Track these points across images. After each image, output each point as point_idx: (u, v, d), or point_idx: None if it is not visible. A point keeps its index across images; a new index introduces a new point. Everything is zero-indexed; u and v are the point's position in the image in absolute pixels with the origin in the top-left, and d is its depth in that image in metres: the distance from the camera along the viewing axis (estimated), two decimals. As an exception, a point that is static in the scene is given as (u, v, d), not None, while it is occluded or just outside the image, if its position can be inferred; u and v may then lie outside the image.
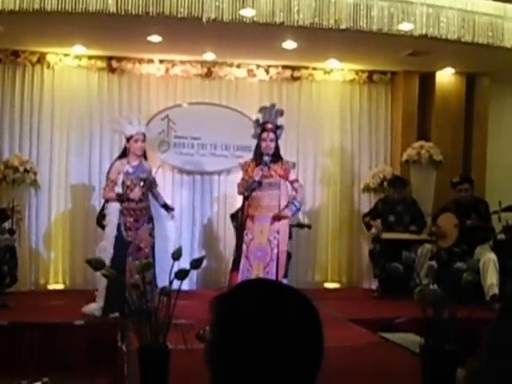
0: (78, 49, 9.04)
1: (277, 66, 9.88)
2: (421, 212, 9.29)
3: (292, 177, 7.47)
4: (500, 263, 8.31)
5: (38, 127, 9.35)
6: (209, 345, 1.61)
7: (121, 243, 7.28)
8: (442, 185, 9.54)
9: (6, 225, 8.14)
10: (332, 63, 9.73)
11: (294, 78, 10.02)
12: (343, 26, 7.02)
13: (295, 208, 7.43)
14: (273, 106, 7.54)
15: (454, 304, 4.57)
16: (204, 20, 6.78)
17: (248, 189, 7.13)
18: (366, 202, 10.03)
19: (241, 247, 7.23)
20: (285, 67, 9.90)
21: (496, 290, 8.15)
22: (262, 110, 7.52)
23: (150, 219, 7.50)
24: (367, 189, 10.03)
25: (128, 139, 7.47)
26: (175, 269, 4.63)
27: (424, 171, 9.73)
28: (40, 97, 9.37)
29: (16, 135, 9.29)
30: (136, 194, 7.35)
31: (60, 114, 9.42)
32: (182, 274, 4.57)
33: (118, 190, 7.37)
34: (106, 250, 7.29)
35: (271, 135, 7.31)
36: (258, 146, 7.45)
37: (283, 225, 7.35)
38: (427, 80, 10.07)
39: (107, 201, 7.57)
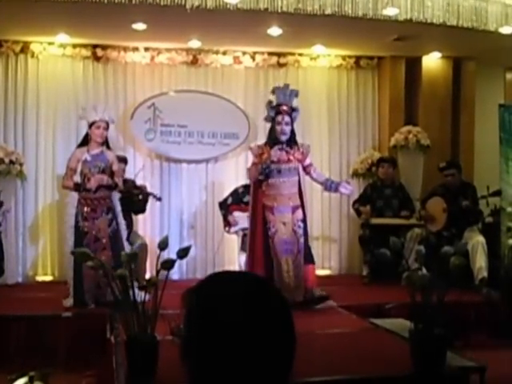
0: (62, 37, 8.95)
1: (263, 53, 9.83)
2: (409, 196, 9.28)
3: (308, 161, 7.21)
4: (488, 246, 8.32)
5: (22, 117, 9.26)
6: (183, 340, 1.59)
7: (79, 233, 7.11)
8: (429, 169, 9.54)
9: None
10: (318, 49, 9.68)
11: (280, 65, 9.97)
12: (328, 11, 6.96)
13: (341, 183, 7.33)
14: (286, 86, 7.22)
15: (442, 288, 4.55)
16: (188, 7, 6.71)
17: (264, 171, 6.88)
18: (355, 188, 9.97)
19: (266, 243, 6.96)
20: (271, 54, 9.85)
21: (485, 274, 8.17)
22: (276, 90, 7.19)
23: (109, 209, 7.25)
24: (356, 174, 10.02)
25: (90, 125, 7.21)
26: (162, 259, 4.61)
27: (412, 156, 9.72)
28: (24, 87, 9.27)
29: (0, 126, 9.20)
30: (92, 183, 7.08)
31: (45, 104, 9.34)
32: (167, 265, 4.54)
33: (76, 179, 7.17)
34: (67, 239, 7.24)
35: (286, 118, 7.01)
36: (272, 130, 7.13)
37: (304, 212, 7.12)
38: (414, 65, 10.04)
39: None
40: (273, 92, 7.22)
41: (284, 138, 7.00)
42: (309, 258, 7.16)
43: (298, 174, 7.12)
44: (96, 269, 4.74)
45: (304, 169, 7.19)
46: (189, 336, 1.57)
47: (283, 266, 6.94)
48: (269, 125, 7.32)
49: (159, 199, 8.72)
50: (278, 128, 7.00)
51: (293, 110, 7.12)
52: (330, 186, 7.32)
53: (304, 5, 6.94)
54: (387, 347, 5.47)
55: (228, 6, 6.93)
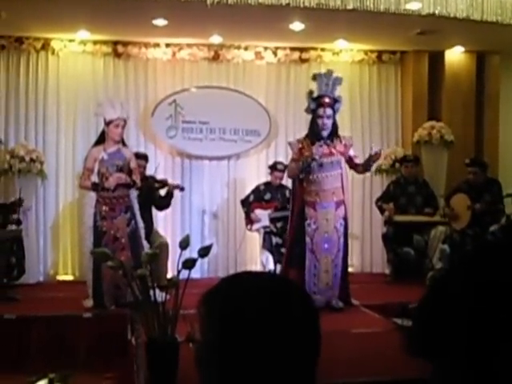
0: (83, 34, 8.92)
1: (285, 48, 9.73)
2: (433, 193, 9.15)
3: (352, 152, 6.95)
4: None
5: (43, 115, 9.24)
6: (201, 346, 1.49)
7: (97, 233, 7.01)
8: (453, 165, 9.43)
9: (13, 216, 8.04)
10: (340, 44, 9.58)
11: (302, 60, 9.86)
12: (350, 7, 6.86)
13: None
14: (330, 73, 6.91)
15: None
16: (208, 2, 6.63)
17: (304, 169, 6.63)
18: (379, 184, 9.90)
19: (303, 240, 6.75)
20: (293, 49, 9.75)
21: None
22: (317, 77, 6.85)
23: (128, 208, 7.14)
24: (379, 170, 9.89)
25: (108, 123, 7.07)
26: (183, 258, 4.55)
27: (435, 152, 9.60)
28: (45, 84, 9.25)
29: (21, 124, 9.18)
30: (110, 182, 6.95)
31: (66, 101, 9.31)
32: (189, 264, 4.48)
33: (94, 178, 7.05)
34: (86, 239, 7.16)
35: (328, 111, 6.72)
36: (313, 123, 6.83)
37: (346, 208, 6.92)
38: (437, 59, 9.91)
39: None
40: (314, 78, 6.92)
41: (325, 133, 6.75)
42: (348, 262, 7.04)
43: (341, 168, 6.86)
44: (116, 269, 4.69)
45: (349, 161, 6.93)
46: (210, 341, 1.47)
47: (322, 265, 6.77)
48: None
49: (182, 189, 8.66)
50: (320, 122, 6.72)
51: (335, 101, 6.85)
52: (365, 164, 7.02)
53: (326, 0, 6.83)
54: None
55: (249, 1, 6.84)
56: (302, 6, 6.85)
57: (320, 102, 6.74)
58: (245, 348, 1.43)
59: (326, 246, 6.75)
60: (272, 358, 1.42)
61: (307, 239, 6.74)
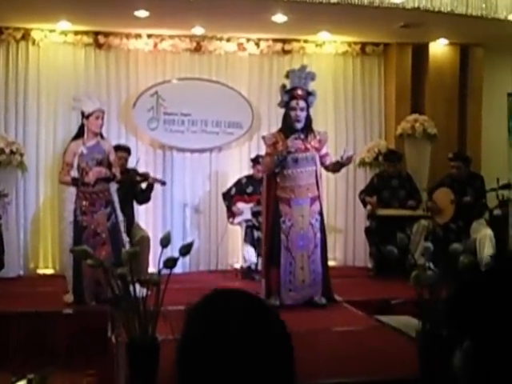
0: (64, 24, 8.79)
1: (267, 40, 9.65)
2: (416, 187, 9.11)
3: (325, 150, 6.86)
4: (496, 239, 8.17)
5: (23, 106, 9.11)
6: (181, 351, 1.55)
7: (78, 229, 6.93)
8: (437, 159, 9.40)
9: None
10: (324, 36, 9.51)
11: (285, 52, 9.78)
12: (334, 0, 6.79)
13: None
14: (303, 68, 6.82)
15: (450, 287, 4.41)
16: (190, -2, 6.55)
17: (280, 163, 6.54)
18: (362, 177, 9.86)
19: (278, 237, 6.67)
20: (275, 40, 9.67)
21: (493, 267, 8.00)
22: (290, 73, 6.77)
23: (108, 203, 7.05)
24: (362, 163, 9.86)
25: (87, 116, 6.95)
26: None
27: (418, 145, 9.57)
28: (25, 75, 9.12)
29: (1, 115, 9.05)
30: (90, 177, 6.87)
31: (46, 92, 9.19)
32: (170, 263, 4.41)
33: (74, 173, 6.93)
34: (66, 234, 7.07)
35: (301, 103, 6.61)
36: (286, 116, 6.73)
37: (321, 204, 6.82)
38: (420, 51, 9.87)
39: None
40: (287, 76, 6.83)
41: (299, 125, 6.64)
42: (327, 257, 6.97)
43: (315, 164, 6.76)
44: (95, 267, 4.63)
45: (320, 158, 6.83)
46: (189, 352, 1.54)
47: (298, 262, 6.69)
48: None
49: (164, 183, 8.61)
50: (293, 114, 6.62)
51: (309, 94, 6.74)
52: (334, 166, 6.96)
53: (309, -6, 6.77)
54: (393, 347, 5.36)
55: (233, -4, 6.75)
56: (285, -1, 6.77)
57: (293, 95, 6.66)
58: (216, 367, 1.48)
59: (301, 242, 6.68)
60: (246, 378, 1.48)
61: (282, 236, 6.67)
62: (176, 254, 4.48)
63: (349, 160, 6.86)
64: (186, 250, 4.59)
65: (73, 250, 4.88)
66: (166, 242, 4.56)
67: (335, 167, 6.99)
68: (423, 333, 4.53)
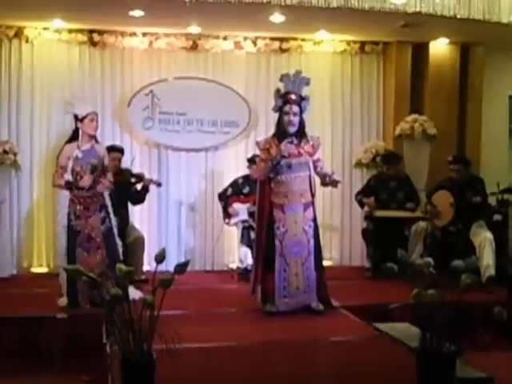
0: (58, 23, 8.68)
1: (265, 38, 9.54)
2: (415, 188, 9.02)
3: (317, 155, 6.78)
4: (496, 243, 8.09)
5: (16, 105, 9.00)
6: None
7: (72, 233, 6.84)
8: (436, 160, 9.29)
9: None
10: (322, 34, 9.40)
11: (282, 50, 9.67)
12: (334, 5, 6.66)
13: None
14: (298, 73, 6.75)
15: (451, 305, 4.31)
16: (187, 0, 6.41)
17: (274, 167, 6.49)
18: (358, 178, 9.79)
19: (272, 243, 6.59)
20: (273, 39, 9.56)
21: (492, 272, 7.91)
22: (284, 78, 6.71)
23: (103, 207, 6.96)
24: (359, 164, 9.78)
25: (82, 119, 6.83)
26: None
27: (417, 146, 9.45)
28: (18, 73, 9.01)
29: (-6, 113, 8.94)
30: (85, 181, 6.77)
31: (40, 91, 9.08)
32: (165, 283, 4.30)
33: (68, 177, 6.82)
34: (60, 238, 6.99)
35: (295, 108, 6.55)
36: (279, 121, 6.66)
37: (314, 210, 6.76)
38: (420, 50, 9.76)
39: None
40: (281, 79, 6.76)
41: (292, 129, 6.59)
42: (318, 264, 6.87)
43: (309, 169, 6.69)
44: (91, 286, 4.51)
45: (313, 163, 6.75)
46: None
47: (292, 269, 6.62)
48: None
49: (159, 185, 8.53)
50: (286, 118, 6.57)
51: (302, 98, 6.68)
52: (322, 178, 6.89)
53: (308, -2, 6.64)
54: (392, 360, 5.26)
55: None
56: (282, 3, 6.63)
57: (286, 99, 6.61)
58: None
59: (295, 249, 6.61)
60: None
61: (276, 242, 6.60)
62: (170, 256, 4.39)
63: (334, 184, 6.90)
64: (181, 268, 4.48)
65: (66, 270, 4.76)
66: (160, 258, 4.46)
67: (322, 180, 6.94)
68: (423, 350, 4.43)
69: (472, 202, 8.18)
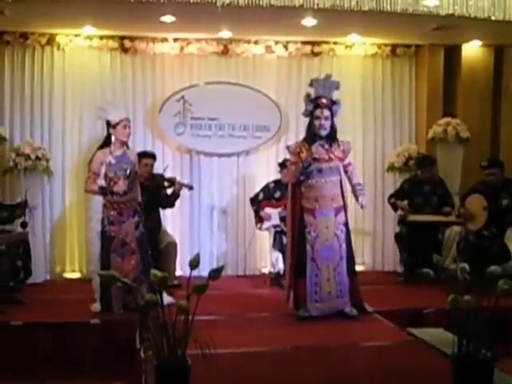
0: (89, 29, 8.74)
1: (296, 42, 9.52)
2: (449, 192, 8.92)
3: (347, 159, 6.77)
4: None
5: (49, 111, 9.08)
6: None
7: (105, 239, 6.86)
8: (469, 163, 9.21)
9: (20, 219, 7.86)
10: (353, 38, 9.35)
11: (314, 54, 9.65)
12: (366, 8, 6.61)
13: (363, 195, 6.86)
14: (328, 77, 6.74)
15: (487, 313, 4.24)
16: (218, 5, 6.40)
17: (305, 170, 6.46)
18: (391, 182, 9.71)
19: (304, 248, 6.56)
20: (304, 43, 9.54)
21: (528, 277, 7.80)
22: (314, 82, 6.68)
23: (136, 212, 6.96)
24: (392, 168, 9.70)
25: (115, 125, 6.83)
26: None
27: (451, 149, 9.37)
28: (50, 80, 9.08)
29: (27, 121, 9.02)
30: (120, 187, 6.77)
31: (71, 97, 9.15)
32: (199, 289, 4.29)
33: (101, 182, 6.83)
34: (93, 244, 7.03)
35: (326, 112, 6.52)
36: (310, 125, 6.63)
37: (346, 214, 6.73)
38: (453, 53, 9.68)
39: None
40: (311, 85, 6.73)
41: (323, 133, 6.56)
42: (353, 269, 6.84)
43: (340, 174, 6.68)
44: (125, 291, 4.51)
45: (344, 167, 6.75)
46: None
47: (323, 274, 6.58)
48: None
49: (191, 188, 8.52)
50: (317, 123, 6.54)
51: (333, 103, 6.64)
52: (354, 190, 6.95)
53: (341, 1, 6.59)
54: (426, 365, 5.21)
55: (261, 3, 6.58)
56: (315, 7, 6.60)
57: (317, 103, 6.58)
58: None
59: (326, 254, 6.57)
60: None
61: (308, 247, 6.57)
62: (203, 261, 4.38)
63: (361, 206, 7.02)
64: (215, 274, 4.47)
65: (101, 276, 4.76)
66: (195, 263, 4.46)
67: (352, 189, 6.97)
68: (459, 356, 4.37)
69: (501, 206, 8.09)
